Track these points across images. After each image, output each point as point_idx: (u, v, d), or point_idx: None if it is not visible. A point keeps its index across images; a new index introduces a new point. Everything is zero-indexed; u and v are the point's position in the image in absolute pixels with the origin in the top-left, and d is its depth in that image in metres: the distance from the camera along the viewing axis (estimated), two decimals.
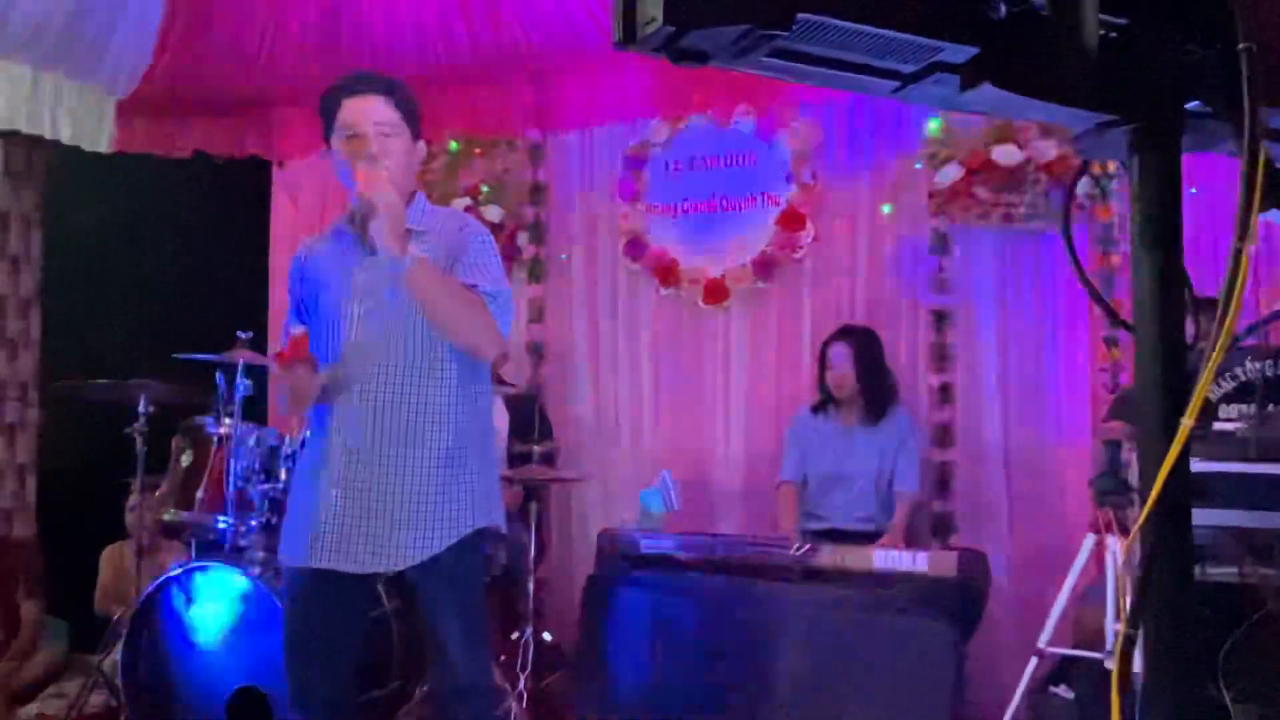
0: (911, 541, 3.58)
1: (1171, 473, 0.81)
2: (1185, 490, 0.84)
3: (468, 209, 4.62)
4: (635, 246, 4.45)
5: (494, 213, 4.55)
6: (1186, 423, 0.80)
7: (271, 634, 3.19)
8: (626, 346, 4.48)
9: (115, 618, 3.86)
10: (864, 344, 3.70)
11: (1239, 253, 0.79)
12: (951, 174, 3.87)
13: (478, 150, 4.68)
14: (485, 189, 4.65)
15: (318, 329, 2.31)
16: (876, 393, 3.68)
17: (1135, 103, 0.84)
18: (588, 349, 4.57)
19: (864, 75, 0.90)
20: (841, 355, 3.66)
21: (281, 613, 3.10)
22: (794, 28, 0.81)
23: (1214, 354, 0.80)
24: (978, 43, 0.87)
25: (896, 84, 0.92)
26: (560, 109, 4.59)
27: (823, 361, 3.73)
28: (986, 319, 4.00)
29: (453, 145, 4.70)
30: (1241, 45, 0.81)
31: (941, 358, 4.03)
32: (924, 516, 3.89)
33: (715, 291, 4.31)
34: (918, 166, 4.02)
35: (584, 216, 4.61)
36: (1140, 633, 0.85)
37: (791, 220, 4.20)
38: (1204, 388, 0.81)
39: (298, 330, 2.25)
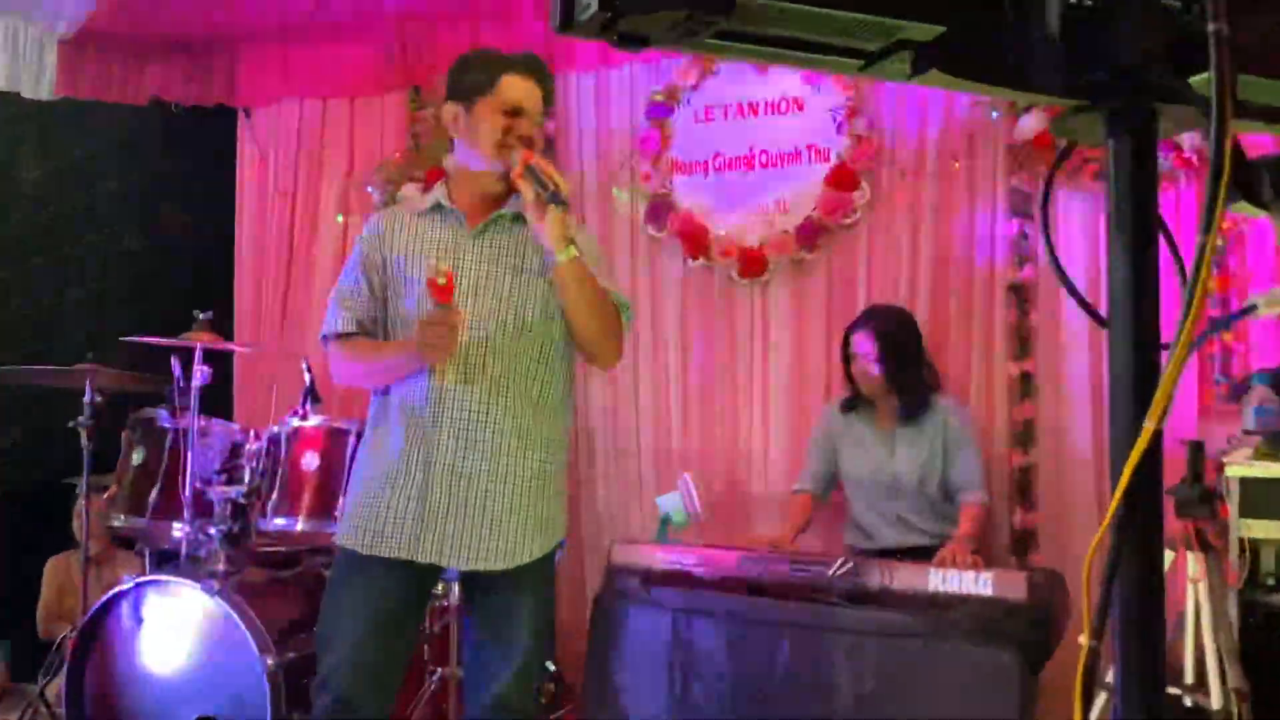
0: (984, 556, 3.66)
1: (1136, 477, 0.93)
2: (1154, 495, 0.96)
3: None
4: (659, 210, 4.57)
5: None
6: (1148, 425, 0.92)
7: (233, 657, 3.38)
8: (647, 328, 4.60)
9: (59, 639, 4.08)
10: (892, 328, 3.77)
11: (1203, 248, 0.91)
12: (1033, 124, 3.95)
13: None
14: None
15: (401, 303, 2.65)
16: (912, 386, 3.76)
17: (1104, 86, 0.96)
18: None
19: (825, 54, 1.03)
20: (865, 344, 3.74)
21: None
22: (736, 11, 0.93)
23: (1178, 353, 0.92)
24: (943, 20, 0.99)
25: (862, 62, 1.04)
26: (572, 48, 4.71)
27: (846, 354, 3.83)
28: None
29: None
30: (1211, 27, 0.92)
31: (1022, 342, 4.12)
32: (992, 526, 3.99)
33: (752, 263, 4.42)
34: (994, 115, 4.11)
35: (599, 174, 4.74)
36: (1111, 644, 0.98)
37: (843, 179, 4.30)
38: (1168, 388, 0.93)
39: (444, 268, 2.51)
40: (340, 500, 3.58)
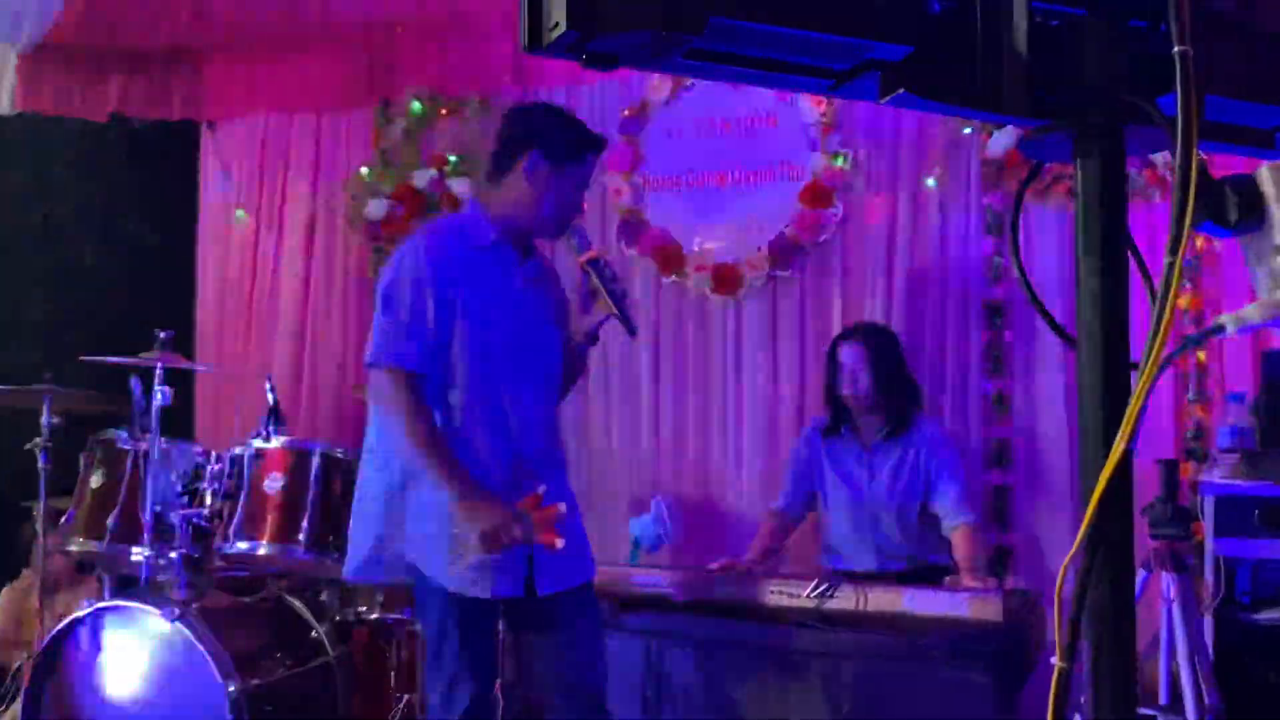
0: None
1: (1106, 497, 0.95)
2: (1124, 515, 0.98)
3: (433, 183, 4.79)
4: (631, 227, 4.59)
5: (463, 187, 4.69)
6: (1118, 445, 0.94)
7: (194, 684, 3.36)
8: (619, 346, 4.61)
9: (15, 667, 4.03)
10: (880, 344, 3.79)
11: (1171, 268, 0.93)
12: (1006, 141, 4.00)
13: (444, 111, 4.85)
14: (453, 159, 4.81)
15: (467, 331, 2.79)
16: (896, 400, 3.77)
17: (1072, 106, 0.98)
18: None
19: (794, 75, 1.04)
20: (854, 357, 3.75)
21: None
22: (707, 32, 0.95)
23: (1147, 372, 0.94)
24: (911, 40, 1.01)
25: (831, 81, 1.06)
26: (543, 61, 4.72)
27: (831, 367, 3.83)
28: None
29: (415, 106, 4.87)
30: (1177, 48, 0.94)
31: (997, 361, 4.16)
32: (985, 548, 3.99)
33: (726, 280, 4.44)
34: (967, 131, 4.15)
35: None
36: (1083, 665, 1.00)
37: (816, 196, 4.33)
38: (1136, 409, 0.94)
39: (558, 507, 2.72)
40: (303, 521, 3.57)
